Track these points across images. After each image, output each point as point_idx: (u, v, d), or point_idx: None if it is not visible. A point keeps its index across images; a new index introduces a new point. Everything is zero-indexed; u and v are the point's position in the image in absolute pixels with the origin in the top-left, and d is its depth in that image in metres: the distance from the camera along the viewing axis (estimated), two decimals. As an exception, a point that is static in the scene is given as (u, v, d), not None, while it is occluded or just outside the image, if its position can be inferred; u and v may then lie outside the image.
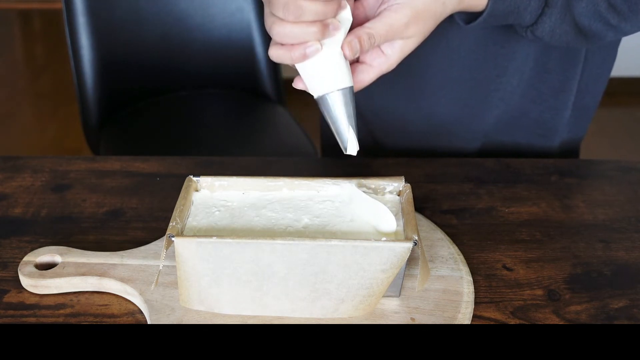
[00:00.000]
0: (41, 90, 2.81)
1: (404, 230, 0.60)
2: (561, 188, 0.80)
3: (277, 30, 0.55)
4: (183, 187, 0.64)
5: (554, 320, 0.61)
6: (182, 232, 0.60)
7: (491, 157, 0.88)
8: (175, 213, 0.60)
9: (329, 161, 0.83)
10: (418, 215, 0.71)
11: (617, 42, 0.88)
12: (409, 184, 0.65)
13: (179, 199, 0.62)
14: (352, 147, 0.61)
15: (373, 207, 0.62)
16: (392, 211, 0.62)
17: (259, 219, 0.63)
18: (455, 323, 0.59)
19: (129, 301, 0.62)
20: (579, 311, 0.62)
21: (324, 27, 0.56)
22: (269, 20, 0.56)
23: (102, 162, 0.84)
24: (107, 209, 0.75)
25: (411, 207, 0.62)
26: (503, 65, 0.84)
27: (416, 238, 0.57)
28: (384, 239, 0.58)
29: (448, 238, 0.69)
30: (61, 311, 0.61)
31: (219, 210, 0.63)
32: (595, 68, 0.88)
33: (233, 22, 1.40)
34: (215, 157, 0.85)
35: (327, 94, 0.59)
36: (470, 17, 0.69)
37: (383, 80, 0.66)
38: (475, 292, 0.62)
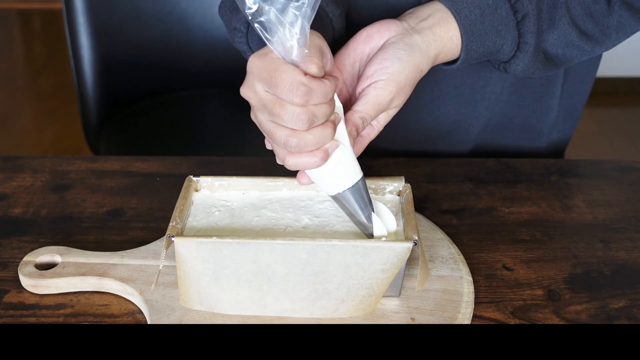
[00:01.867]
0: (41, 90, 2.81)
1: (404, 230, 0.60)
2: (561, 188, 0.80)
3: (296, 142, 0.53)
4: (183, 187, 0.64)
5: (554, 320, 0.61)
6: (182, 232, 0.60)
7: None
8: (175, 213, 0.60)
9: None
10: (418, 215, 0.71)
11: None
12: (409, 184, 0.65)
13: (179, 199, 0.62)
14: (378, 231, 0.60)
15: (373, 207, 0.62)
16: (392, 211, 0.62)
17: (259, 219, 0.63)
18: (455, 323, 0.59)
19: (129, 301, 0.62)
20: (579, 311, 0.62)
21: (333, 124, 0.55)
22: (280, 134, 0.54)
23: (102, 162, 0.84)
24: (107, 209, 0.75)
25: (411, 207, 0.62)
26: (487, 75, 0.84)
27: (416, 238, 0.57)
28: (383, 239, 0.58)
29: (448, 238, 0.69)
30: (61, 311, 0.61)
31: (219, 210, 0.63)
32: (581, 69, 0.88)
33: (233, 22, 1.40)
34: (215, 157, 0.85)
35: (341, 192, 0.59)
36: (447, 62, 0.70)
37: None
38: (475, 292, 0.62)
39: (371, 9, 0.76)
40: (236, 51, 0.72)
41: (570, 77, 0.88)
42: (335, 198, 0.60)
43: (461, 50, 0.67)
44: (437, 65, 0.70)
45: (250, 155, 0.88)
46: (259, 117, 0.56)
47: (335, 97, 0.57)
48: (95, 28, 1.29)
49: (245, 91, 0.55)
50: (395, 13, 0.67)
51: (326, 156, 0.55)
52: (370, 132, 0.63)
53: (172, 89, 1.42)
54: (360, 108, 0.60)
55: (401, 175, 0.66)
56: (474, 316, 0.60)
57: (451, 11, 0.65)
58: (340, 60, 0.65)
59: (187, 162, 0.84)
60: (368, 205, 0.60)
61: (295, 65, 0.52)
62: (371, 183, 0.66)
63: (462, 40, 0.66)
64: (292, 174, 0.66)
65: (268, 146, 0.59)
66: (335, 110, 0.56)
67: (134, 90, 1.39)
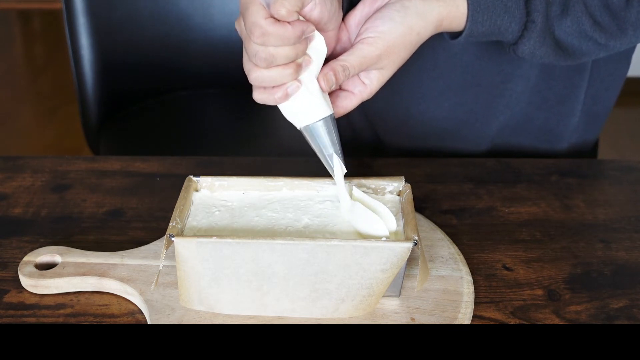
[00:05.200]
0: (41, 90, 2.81)
1: (404, 230, 0.60)
2: (561, 188, 0.80)
3: (255, 76, 0.58)
4: (183, 187, 0.64)
5: (554, 320, 0.61)
6: (182, 232, 0.60)
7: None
8: (175, 213, 0.60)
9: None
10: (418, 215, 0.71)
11: (630, 50, 0.86)
12: (409, 184, 0.65)
13: (179, 199, 0.62)
14: (338, 172, 0.63)
15: (373, 207, 0.62)
16: (392, 211, 0.62)
17: (259, 219, 0.63)
18: (455, 323, 0.59)
19: (129, 301, 0.62)
20: (579, 311, 0.62)
21: (298, 66, 0.59)
22: (246, 66, 0.59)
23: (102, 162, 0.84)
24: (107, 209, 0.75)
25: (411, 207, 0.62)
26: (508, 71, 0.83)
27: (416, 238, 0.57)
28: (383, 239, 0.58)
29: (448, 238, 0.69)
30: (61, 311, 0.61)
31: (219, 210, 0.63)
32: (607, 76, 0.87)
33: (233, 22, 1.40)
34: (215, 157, 0.85)
35: (309, 124, 0.61)
36: (454, 33, 0.70)
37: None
38: (475, 292, 0.62)
39: None
40: (236, 51, 0.73)
41: (595, 83, 0.87)
42: (303, 132, 0.62)
43: (467, 21, 0.66)
44: (453, 49, 0.70)
45: (250, 155, 0.88)
46: (244, 56, 0.60)
47: (321, 42, 0.60)
48: (95, 28, 1.29)
49: (236, 24, 0.61)
50: None
51: (286, 95, 0.59)
52: (363, 91, 0.65)
53: (172, 89, 1.41)
54: (344, 57, 0.62)
55: (401, 175, 0.66)
56: (474, 316, 0.60)
57: None
58: (347, 20, 0.67)
59: (187, 162, 0.84)
60: (336, 143, 0.62)
61: (268, 5, 0.56)
62: (371, 183, 0.66)
63: (468, 10, 0.66)
64: (293, 174, 0.66)
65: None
66: (310, 52, 0.60)
67: (134, 90, 1.39)
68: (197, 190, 0.66)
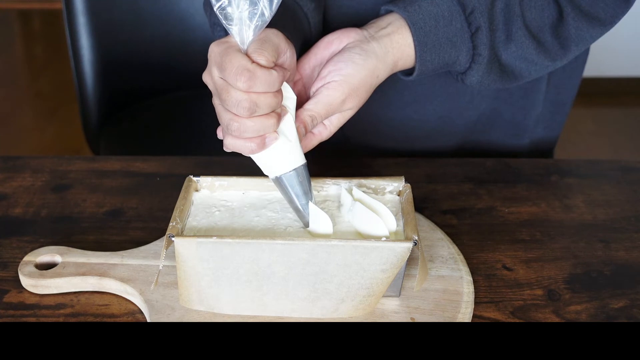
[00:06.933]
0: (41, 90, 2.81)
1: (404, 230, 0.60)
2: (561, 188, 0.80)
3: (236, 127, 0.56)
4: (183, 187, 0.64)
5: (554, 320, 0.61)
6: (182, 232, 0.60)
7: (468, 157, 0.89)
8: (175, 213, 0.60)
9: (329, 161, 0.83)
10: (418, 215, 0.71)
11: None
12: (409, 184, 0.65)
13: (179, 199, 0.62)
14: (314, 222, 0.61)
15: (373, 207, 0.62)
16: (392, 211, 0.62)
17: (259, 219, 0.63)
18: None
19: (129, 301, 0.62)
20: (579, 311, 0.62)
21: (279, 116, 0.57)
22: (224, 117, 0.56)
23: (102, 162, 0.84)
24: (107, 209, 0.75)
25: (411, 207, 0.62)
26: None
27: (416, 238, 0.57)
28: (383, 239, 0.58)
29: (448, 238, 0.69)
30: (61, 311, 0.61)
31: (219, 210, 0.64)
32: (568, 64, 0.88)
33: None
34: (215, 157, 0.85)
35: (282, 175, 0.60)
36: (406, 71, 0.71)
37: None
38: (475, 292, 0.62)
39: (340, 18, 0.78)
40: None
41: (557, 72, 0.88)
42: (275, 182, 0.61)
43: (415, 61, 0.68)
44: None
45: (251, 155, 0.88)
46: (214, 101, 0.58)
47: (290, 90, 0.59)
48: (95, 28, 1.29)
49: (204, 76, 0.58)
50: (361, 22, 0.69)
51: (262, 145, 0.57)
52: (322, 132, 0.65)
53: (172, 89, 1.41)
54: (311, 107, 0.62)
55: (401, 175, 0.66)
56: (474, 316, 0.60)
57: (407, 22, 0.67)
58: (301, 65, 0.67)
59: (187, 162, 0.84)
60: (308, 192, 0.61)
61: (247, 55, 0.55)
62: (371, 183, 0.66)
63: (415, 51, 0.67)
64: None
65: (219, 135, 0.60)
66: (285, 103, 0.58)
67: (134, 90, 1.39)
68: (197, 190, 0.66)
